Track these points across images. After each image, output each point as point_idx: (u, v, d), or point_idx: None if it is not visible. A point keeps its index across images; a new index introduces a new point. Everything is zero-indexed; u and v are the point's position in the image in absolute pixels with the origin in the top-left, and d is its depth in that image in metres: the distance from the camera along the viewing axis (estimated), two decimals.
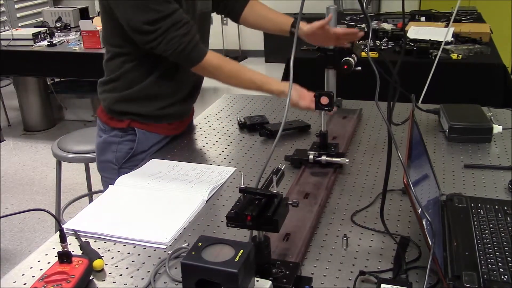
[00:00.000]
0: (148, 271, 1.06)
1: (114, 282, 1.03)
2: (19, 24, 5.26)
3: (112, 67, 1.60)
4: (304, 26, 1.70)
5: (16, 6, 5.45)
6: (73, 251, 1.08)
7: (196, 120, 1.90)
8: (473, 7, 3.93)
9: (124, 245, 1.15)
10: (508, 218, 1.14)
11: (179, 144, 1.70)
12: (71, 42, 3.96)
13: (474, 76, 2.64)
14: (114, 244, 1.16)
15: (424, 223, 0.94)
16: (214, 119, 1.92)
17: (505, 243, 1.05)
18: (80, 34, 3.86)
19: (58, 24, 4.36)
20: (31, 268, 1.08)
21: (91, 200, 2.78)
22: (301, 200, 1.28)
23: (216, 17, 6.69)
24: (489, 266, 0.97)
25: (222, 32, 6.58)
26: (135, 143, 1.62)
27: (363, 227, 1.18)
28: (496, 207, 1.18)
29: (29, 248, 2.89)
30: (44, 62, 3.84)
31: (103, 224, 1.22)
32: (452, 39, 2.91)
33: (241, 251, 0.84)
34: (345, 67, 1.58)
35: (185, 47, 1.45)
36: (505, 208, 1.17)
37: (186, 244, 1.13)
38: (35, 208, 1.27)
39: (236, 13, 1.76)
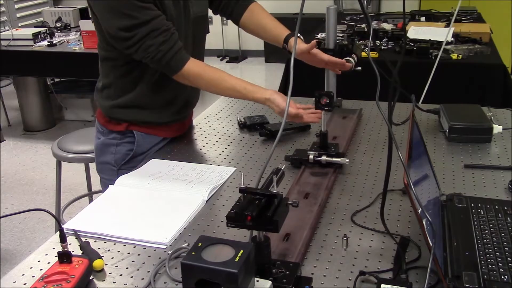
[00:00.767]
0: (148, 271, 1.06)
1: (114, 282, 1.03)
2: (19, 24, 5.26)
3: (103, 71, 1.60)
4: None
5: (16, 6, 5.46)
6: (73, 251, 1.08)
7: (196, 120, 1.90)
8: (473, 7, 3.93)
9: (124, 245, 1.15)
10: (508, 218, 1.14)
11: (179, 144, 1.70)
12: (71, 42, 3.96)
13: (474, 76, 2.64)
14: (114, 244, 1.16)
15: (424, 223, 0.94)
16: (214, 119, 1.92)
17: (505, 243, 1.05)
18: (80, 34, 3.87)
19: (58, 24, 4.36)
20: (31, 268, 1.08)
21: (91, 200, 2.78)
22: (301, 200, 1.28)
23: (216, 17, 6.71)
24: (489, 266, 0.97)
25: (222, 32, 6.59)
26: (134, 145, 1.61)
27: (363, 227, 1.18)
28: (496, 207, 1.18)
29: (29, 248, 2.89)
30: (44, 62, 3.84)
31: (103, 224, 1.22)
32: (452, 39, 2.91)
33: (241, 251, 0.84)
34: None
35: (163, 55, 1.42)
36: (505, 208, 1.17)
37: (186, 244, 1.13)
38: (35, 208, 1.27)
39: (236, 16, 1.74)
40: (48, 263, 1.09)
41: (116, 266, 1.08)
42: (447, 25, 2.95)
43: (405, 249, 1.08)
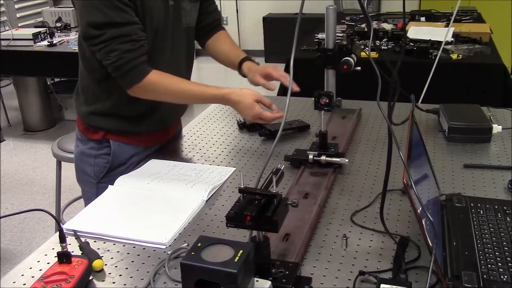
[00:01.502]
0: (147, 271, 1.06)
1: (113, 283, 1.03)
2: (19, 24, 5.26)
3: (81, 72, 1.53)
4: (249, 70, 1.62)
5: (16, 6, 5.46)
6: (72, 252, 1.08)
7: (196, 120, 1.90)
8: (473, 7, 3.93)
9: (124, 245, 1.15)
10: (508, 218, 1.14)
11: (179, 144, 1.70)
12: (71, 42, 3.96)
13: (474, 76, 2.64)
14: (114, 244, 1.16)
15: (424, 222, 0.94)
16: (213, 119, 1.92)
17: (504, 243, 1.05)
18: None
19: (58, 24, 4.36)
20: (30, 268, 1.08)
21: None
22: (300, 200, 1.28)
23: None
24: (489, 266, 0.97)
25: None
26: (110, 156, 1.55)
27: (363, 227, 1.18)
28: (496, 207, 1.18)
29: (29, 248, 2.89)
30: (44, 62, 3.84)
31: (102, 224, 1.22)
32: (452, 39, 2.91)
33: (241, 251, 0.84)
34: (345, 67, 1.58)
35: (123, 64, 1.36)
36: (505, 208, 1.17)
37: (186, 244, 1.13)
38: (35, 208, 1.27)
39: (204, 41, 1.73)
40: (48, 263, 1.09)
41: (116, 266, 1.08)
42: (447, 25, 2.95)
43: (404, 249, 1.08)
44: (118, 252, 1.13)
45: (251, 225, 0.91)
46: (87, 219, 1.25)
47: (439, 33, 2.94)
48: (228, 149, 1.65)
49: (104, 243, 1.17)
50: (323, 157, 1.44)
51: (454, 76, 2.63)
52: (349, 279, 1.01)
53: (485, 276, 0.95)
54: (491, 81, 2.62)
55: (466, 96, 2.52)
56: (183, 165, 1.52)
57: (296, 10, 1.03)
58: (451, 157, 1.52)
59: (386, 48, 2.94)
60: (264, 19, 6.25)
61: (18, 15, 5.46)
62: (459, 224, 1.12)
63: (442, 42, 2.47)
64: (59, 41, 3.97)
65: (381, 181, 1.16)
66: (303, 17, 1.07)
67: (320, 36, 3.27)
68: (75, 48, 3.77)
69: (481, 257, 1.00)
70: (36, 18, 5.43)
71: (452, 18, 2.34)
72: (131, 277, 1.04)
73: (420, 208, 0.96)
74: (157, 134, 1.64)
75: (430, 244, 0.94)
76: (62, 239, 1.03)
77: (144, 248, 1.14)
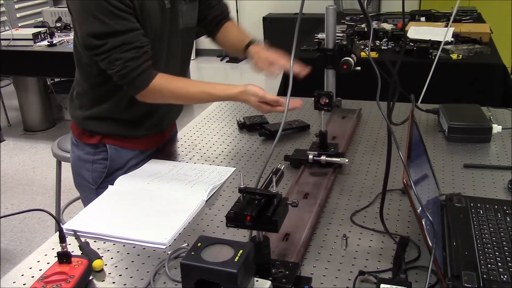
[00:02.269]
0: (147, 271, 1.06)
1: (113, 283, 1.03)
2: (19, 24, 5.26)
3: (78, 77, 1.52)
4: (253, 56, 1.59)
5: (16, 6, 5.45)
6: (72, 252, 1.08)
7: (195, 120, 1.90)
8: (473, 7, 3.93)
9: (124, 245, 1.15)
10: (508, 218, 1.14)
11: (179, 144, 1.70)
12: (71, 42, 3.95)
13: (474, 76, 2.63)
14: (114, 244, 1.16)
15: (423, 222, 0.94)
16: (213, 119, 1.92)
17: (504, 243, 1.05)
18: None
19: (58, 24, 4.36)
20: (30, 268, 1.08)
21: None
22: (300, 200, 1.28)
23: None
24: (489, 266, 0.97)
25: None
26: (108, 161, 1.54)
27: (363, 227, 1.18)
28: (496, 207, 1.18)
29: (29, 248, 2.89)
30: (44, 62, 3.84)
31: (102, 224, 1.22)
32: (452, 39, 2.91)
33: (241, 251, 0.84)
34: (345, 67, 1.58)
35: (128, 72, 1.35)
36: (505, 208, 1.17)
37: (186, 244, 1.13)
38: (35, 208, 1.27)
39: (213, 35, 1.72)
40: (48, 263, 1.09)
41: (116, 266, 1.08)
42: (447, 25, 2.95)
43: (404, 249, 1.08)
44: (118, 252, 1.13)
45: (251, 225, 0.91)
46: (87, 219, 1.25)
47: (439, 33, 2.94)
48: (228, 149, 1.65)
49: (104, 243, 1.17)
50: (323, 157, 1.44)
51: (454, 76, 2.63)
52: (349, 279, 1.01)
53: (485, 276, 0.95)
54: (491, 81, 2.62)
55: (466, 96, 2.52)
56: (183, 165, 1.52)
57: (296, 10, 1.03)
58: (451, 157, 1.52)
59: (386, 48, 2.94)
60: (264, 19, 6.26)
61: (18, 15, 5.45)
62: (459, 224, 1.12)
63: (442, 42, 2.47)
64: (59, 41, 3.97)
65: (381, 181, 1.17)
66: (303, 17, 1.07)
67: (320, 36, 3.27)
68: None
69: (481, 257, 1.00)
70: (36, 18, 5.43)
71: (452, 18, 2.34)
72: (131, 277, 1.04)
73: (420, 208, 0.96)
74: (153, 137, 1.63)
75: (430, 244, 0.94)
76: (62, 239, 1.03)
77: (144, 248, 1.14)
